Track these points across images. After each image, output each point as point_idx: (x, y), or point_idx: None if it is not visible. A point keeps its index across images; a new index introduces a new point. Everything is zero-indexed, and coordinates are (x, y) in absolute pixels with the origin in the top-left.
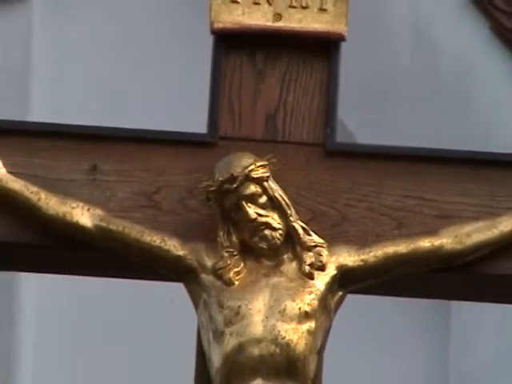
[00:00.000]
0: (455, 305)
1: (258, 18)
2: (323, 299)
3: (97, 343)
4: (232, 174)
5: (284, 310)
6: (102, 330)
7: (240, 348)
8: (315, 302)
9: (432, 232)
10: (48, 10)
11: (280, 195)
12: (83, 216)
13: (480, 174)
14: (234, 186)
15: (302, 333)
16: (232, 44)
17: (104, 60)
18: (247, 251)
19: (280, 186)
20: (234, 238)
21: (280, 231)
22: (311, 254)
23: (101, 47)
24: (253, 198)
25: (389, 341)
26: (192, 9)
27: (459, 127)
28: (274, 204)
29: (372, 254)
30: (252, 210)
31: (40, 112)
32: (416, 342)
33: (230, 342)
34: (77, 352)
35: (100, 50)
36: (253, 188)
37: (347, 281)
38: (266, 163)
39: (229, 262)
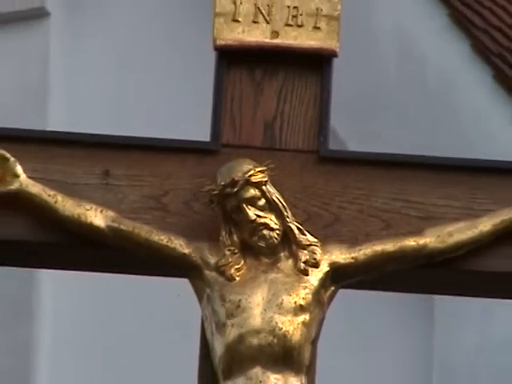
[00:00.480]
0: (438, 297)
1: (257, 36)
2: (317, 293)
3: (110, 334)
4: (233, 179)
5: (281, 303)
6: (115, 322)
7: (240, 338)
8: (309, 296)
9: (417, 232)
10: (64, 29)
11: (277, 198)
12: (96, 217)
13: (461, 179)
14: (235, 189)
15: (298, 324)
16: (233, 59)
17: (115, 76)
18: (247, 249)
19: (277, 190)
20: (235, 238)
21: (277, 231)
22: (306, 252)
23: (112, 64)
24: (252, 201)
25: (375, 332)
26: (196, 27)
27: (442, 135)
28: (271, 206)
29: (362, 252)
30: (252, 212)
31: (57, 122)
32: (401, 332)
33: (232, 333)
34: (91, 344)
35: (112, 66)
36: (252, 191)
37: (339, 277)
38: (265, 169)
39: (230, 260)
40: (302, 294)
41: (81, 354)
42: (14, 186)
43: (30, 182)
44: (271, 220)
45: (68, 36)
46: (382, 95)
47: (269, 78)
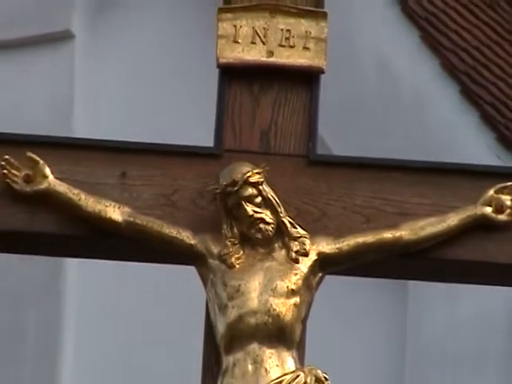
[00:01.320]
0: (412, 282)
1: (255, 55)
2: (306, 279)
3: (129, 310)
4: (234, 180)
5: (275, 287)
6: (133, 299)
7: (240, 318)
8: (300, 282)
9: (393, 226)
10: (87, 50)
11: (272, 196)
12: (115, 212)
13: (431, 180)
14: (235, 188)
15: (290, 306)
16: (233, 76)
17: (132, 91)
18: (246, 241)
19: (272, 189)
20: (235, 230)
21: (272, 225)
22: (297, 243)
23: (129, 81)
24: (250, 199)
25: (355, 314)
26: (201, 48)
27: (415, 143)
28: (267, 203)
29: (345, 243)
30: (250, 208)
31: (81, 132)
32: (378, 314)
33: (232, 314)
34: (113, 322)
35: (129, 82)
36: (250, 190)
37: (326, 264)
38: (261, 171)
39: (231, 250)
40: (294, 279)
41: (103, 329)
42: (44, 185)
43: (57, 182)
44: (267, 215)
45: (90, 56)
46: (362, 108)
47: (265, 91)
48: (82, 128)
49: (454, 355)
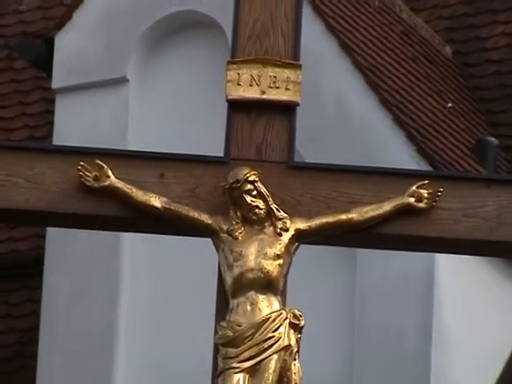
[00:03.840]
0: (360, 249)
1: (252, 93)
2: (287, 247)
3: (171, 275)
4: (237, 179)
5: (266, 253)
6: (173, 267)
7: (241, 274)
8: (283, 249)
9: (346, 211)
10: (138, 91)
11: (264, 190)
12: (156, 201)
13: (372, 179)
14: (239, 185)
15: (275, 266)
16: (237, 107)
17: (172, 120)
18: (245, 221)
19: (263, 185)
20: (238, 214)
21: (263, 210)
22: (280, 222)
23: (169, 113)
24: (249, 192)
25: (318, 272)
26: (216, 88)
27: (361, 154)
28: (260, 195)
29: (314, 222)
30: (248, 199)
31: (133, 146)
32: (335, 270)
33: (236, 271)
34: (160, 278)
35: (169, 115)
36: (249, 186)
37: (300, 237)
38: (256, 173)
39: (235, 227)
40: (278, 247)
41: (153, 297)
42: (107, 182)
43: (116, 180)
44: (260, 203)
45: (140, 93)
46: (324, 130)
47: (259, 118)
48: (134, 143)
49: (389, 298)
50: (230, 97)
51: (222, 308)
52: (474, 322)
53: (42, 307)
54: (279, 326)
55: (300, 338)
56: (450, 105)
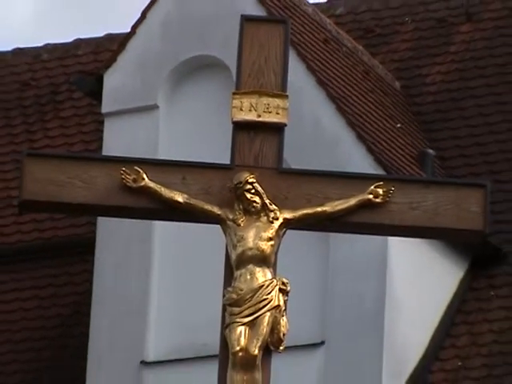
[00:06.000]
0: (332, 234)
1: (251, 117)
2: (277, 232)
3: (195, 254)
4: (240, 180)
5: (261, 236)
6: (195, 248)
7: (243, 252)
8: (274, 233)
9: (322, 205)
10: (167, 116)
11: (260, 189)
12: (179, 197)
13: (341, 181)
14: (241, 185)
15: (269, 246)
16: (240, 127)
17: (192, 136)
18: (246, 212)
19: (260, 185)
20: (241, 207)
21: (259, 204)
22: (272, 213)
23: (191, 130)
24: (248, 190)
25: (300, 251)
26: (225, 112)
27: (332, 163)
28: (257, 193)
29: (297, 213)
30: (248, 195)
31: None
32: (313, 248)
33: (239, 250)
34: (184, 263)
35: (190, 131)
36: (249, 186)
37: (287, 224)
38: (254, 176)
39: (239, 217)
40: (271, 232)
41: (181, 270)
42: (142, 183)
43: (149, 181)
44: (257, 199)
45: (167, 116)
46: (305, 144)
47: (256, 135)
48: (163, 154)
49: (353, 271)
50: (234, 119)
51: (228, 277)
52: (418, 288)
53: (94, 277)
54: (271, 291)
55: (287, 299)
56: (398, 125)
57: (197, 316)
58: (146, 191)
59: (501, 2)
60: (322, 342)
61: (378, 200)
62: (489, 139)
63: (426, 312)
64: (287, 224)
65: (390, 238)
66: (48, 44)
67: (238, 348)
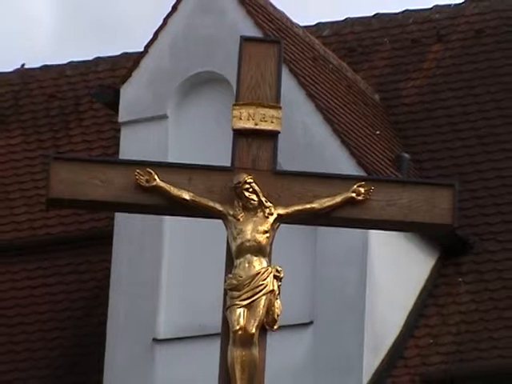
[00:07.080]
0: (320, 227)
1: (249, 125)
2: (272, 226)
3: (202, 243)
4: (239, 180)
5: (258, 229)
6: (202, 238)
7: (242, 243)
8: (269, 227)
9: (311, 202)
10: (175, 126)
11: (257, 188)
12: (186, 195)
13: (328, 181)
14: (240, 185)
15: (265, 237)
16: (239, 134)
17: (201, 147)
18: (245, 208)
19: (256, 185)
20: (240, 204)
21: (256, 201)
22: (267, 209)
23: (201, 141)
24: (247, 189)
25: (290, 242)
26: (225, 122)
27: (320, 167)
28: (254, 191)
29: (290, 209)
30: (247, 194)
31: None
32: (302, 240)
33: (238, 241)
34: (191, 253)
35: (197, 139)
36: (247, 185)
37: (280, 219)
38: (252, 176)
39: (238, 212)
40: (266, 225)
41: (192, 257)
42: (154, 183)
43: (160, 182)
44: (254, 197)
45: (176, 128)
46: (296, 151)
47: (253, 141)
48: (172, 159)
49: (338, 258)
50: (234, 127)
51: (229, 265)
52: (395, 275)
53: (112, 264)
54: (267, 277)
55: (280, 285)
56: (378, 132)
57: (202, 299)
58: (157, 190)
59: (467, 25)
60: (311, 322)
61: (359, 198)
62: (457, 144)
63: (402, 295)
64: (281, 219)
65: (371, 231)
66: (71, 62)
67: (237, 327)
